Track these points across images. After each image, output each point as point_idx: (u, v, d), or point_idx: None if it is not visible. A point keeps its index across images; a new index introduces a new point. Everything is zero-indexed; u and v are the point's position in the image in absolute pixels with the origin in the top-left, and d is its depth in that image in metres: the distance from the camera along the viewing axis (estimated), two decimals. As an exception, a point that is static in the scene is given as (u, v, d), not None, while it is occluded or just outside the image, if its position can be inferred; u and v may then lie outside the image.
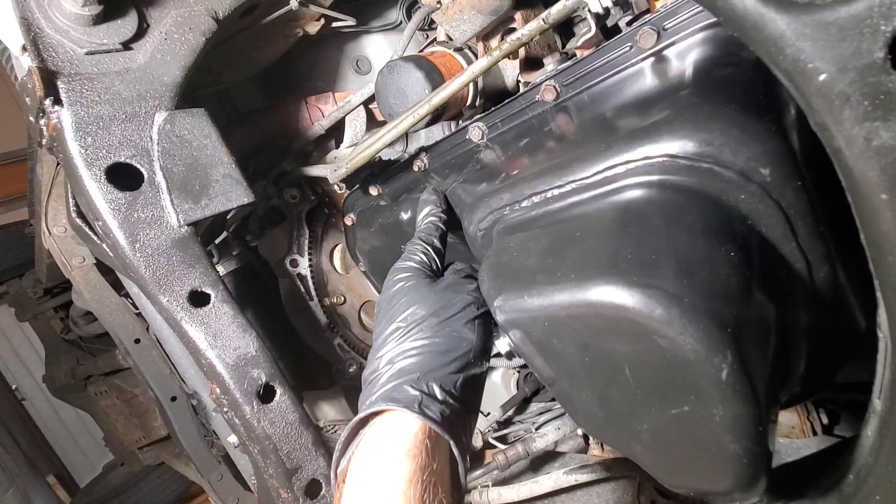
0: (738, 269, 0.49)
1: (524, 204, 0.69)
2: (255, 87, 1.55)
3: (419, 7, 1.33)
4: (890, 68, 0.34)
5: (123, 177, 0.80)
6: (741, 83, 0.56)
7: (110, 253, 0.83)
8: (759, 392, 0.46)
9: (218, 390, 0.86)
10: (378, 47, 1.53)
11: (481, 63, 0.84)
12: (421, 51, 1.37)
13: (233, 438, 0.97)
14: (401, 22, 1.50)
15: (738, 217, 0.54)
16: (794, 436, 1.41)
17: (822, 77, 0.36)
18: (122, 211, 0.78)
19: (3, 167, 4.80)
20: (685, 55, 0.70)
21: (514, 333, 0.60)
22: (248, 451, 0.89)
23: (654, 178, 0.56)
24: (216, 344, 0.83)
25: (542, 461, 1.47)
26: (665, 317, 0.45)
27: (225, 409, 0.86)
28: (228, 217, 1.47)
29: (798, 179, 0.53)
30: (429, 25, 1.43)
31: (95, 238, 0.88)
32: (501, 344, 1.04)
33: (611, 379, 0.52)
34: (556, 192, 0.66)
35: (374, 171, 1.20)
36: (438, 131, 1.43)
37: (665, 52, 0.71)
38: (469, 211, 0.82)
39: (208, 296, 0.85)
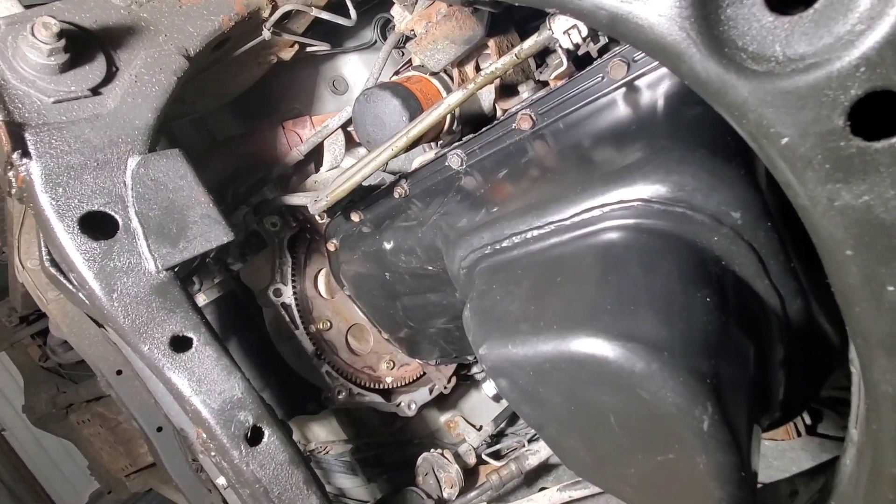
0: (715, 315, 0.50)
1: (505, 244, 0.70)
2: (231, 112, 1.53)
3: (393, 26, 1.33)
4: (849, 134, 0.35)
5: (97, 225, 0.79)
6: (709, 124, 0.57)
7: (87, 302, 0.81)
8: (740, 439, 0.47)
9: (204, 435, 0.84)
10: (354, 67, 1.53)
11: (457, 96, 0.84)
12: (397, 72, 1.37)
13: (221, 480, 0.95)
14: (376, 41, 1.50)
15: (713, 259, 0.55)
16: (780, 437, 1.44)
17: (785, 141, 0.37)
18: (98, 261, 0.76)
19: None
20: (656, 86, 0.71)
21: (500, 381, 0.61)
22: (238, 494, 0.88)
23: (630, 221, 0.57)
24: (200, 389, 0.82)
25: (535, 474, 1.48)
26: (646, 371, 0.46)
27: (212, 454, 0.85)
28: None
29: (768, 220, 0.55)
30: (404, 43, 1.43)
31: (71, 287, 0.86)
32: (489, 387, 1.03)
33: (597, 426, 0.53)
34: (535, 232, 0.66)
35: (355, 196, 1.20)
36: (418, 150, 1.43)
37: (636, 83, 0.73)
38: (451, 248, 0.82)
39: (190, 340, 0.84)
